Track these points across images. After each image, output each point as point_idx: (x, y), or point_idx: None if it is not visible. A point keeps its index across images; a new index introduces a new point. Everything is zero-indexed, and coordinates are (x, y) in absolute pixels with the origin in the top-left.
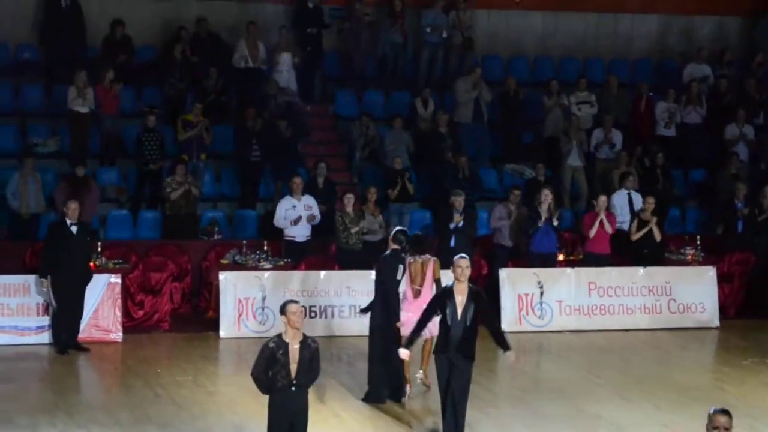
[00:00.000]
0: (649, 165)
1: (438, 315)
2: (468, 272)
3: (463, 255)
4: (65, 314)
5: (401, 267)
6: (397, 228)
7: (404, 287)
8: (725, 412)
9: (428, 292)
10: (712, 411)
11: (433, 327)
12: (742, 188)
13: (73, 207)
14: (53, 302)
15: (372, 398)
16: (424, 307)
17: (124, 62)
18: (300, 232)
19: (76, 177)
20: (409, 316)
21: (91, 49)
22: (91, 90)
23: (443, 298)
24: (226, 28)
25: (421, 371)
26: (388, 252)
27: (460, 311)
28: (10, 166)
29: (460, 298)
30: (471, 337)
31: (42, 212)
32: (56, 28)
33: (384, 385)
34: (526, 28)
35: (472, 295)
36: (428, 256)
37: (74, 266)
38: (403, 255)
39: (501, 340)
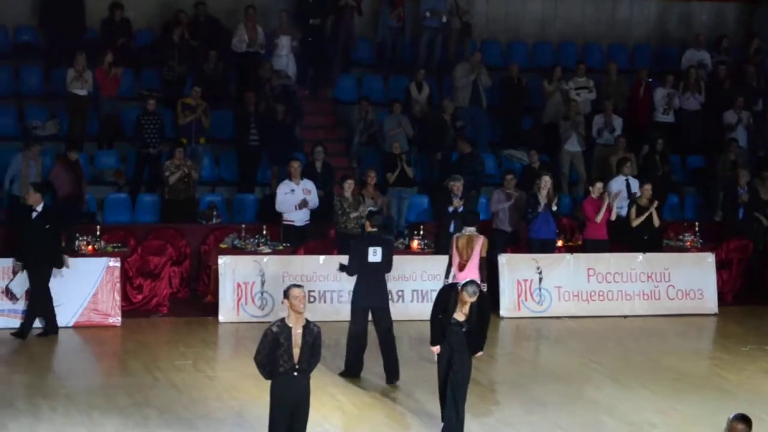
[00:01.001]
0: (648, 151)
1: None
2: None
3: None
4: (32, 299)
5: (377, 249)
6: (370, 209)
7: (452, 264)
8: (744, 418)
9: (474, 268)
10: (731, 417)
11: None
12: (744, 174)
13: (34, 196)
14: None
15: (348, 374)
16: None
17: (123, 45)
18: (299, 217)
19: (69, 160)
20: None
21: (90, 31)
22: (90, 73)
23: (449, 291)
24: (225, 12)
25: None
26: (364, 233)
27: (466, 309)
28: (10, 149)
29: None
30: (475, 332)
31: None
32: (55, 11)
33: (360, 363)
34: (526, 14)
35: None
36: (475, 232)
37: (34, 252)
38: (379, 236)
39: (477, 338)
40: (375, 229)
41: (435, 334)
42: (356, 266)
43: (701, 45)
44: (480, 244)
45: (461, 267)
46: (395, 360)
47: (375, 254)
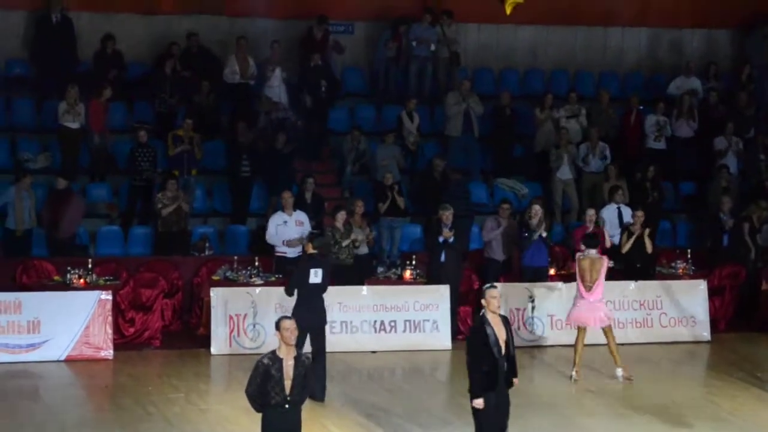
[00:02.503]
0: (639, 179)
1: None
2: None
3: (495, 284)
4: None
5: (318, 270)
6: (311, 231)
7: (578, 285)
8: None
9: (600, 289)
10: None
11: (586, 315)
12: (727, 201)
13: None
14: None
15: None
16: (597, 303)
17: (115, 78)
18: (291, 248)
19: (58, 190)
20: (580, 312)
21: (82, 64)
22: (82, 105)
23: (483, 333)
24: (217, 43)
25: (620, 369)
26: (305, 256)
27: (502, 344)
28: (1, 181)
29: (499, 330)
30: (512, 367)
31: (31, 228)
32: (47, 44)
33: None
34: (517, 42)
35: (505, 324)
36: (597, 253)
37: None
38: (320, 258)
39: (511, 368)
40: (316, 251)
41: (480, 382)
42: (295, 287)
43: (691, 72)
44: (605, 265)
45: (588, 288)
46: (323, 377)
47: (316, 275)
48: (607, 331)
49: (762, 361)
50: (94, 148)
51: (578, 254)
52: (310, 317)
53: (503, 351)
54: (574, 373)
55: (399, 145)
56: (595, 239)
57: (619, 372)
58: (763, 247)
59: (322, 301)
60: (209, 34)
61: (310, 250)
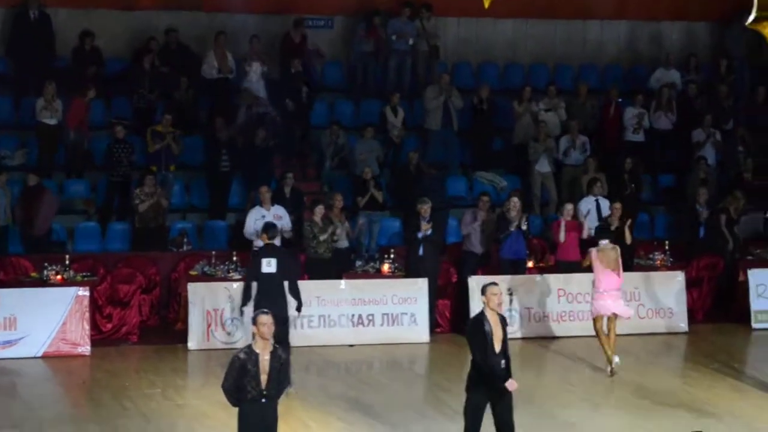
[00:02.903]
0: (617, 171)
1: None
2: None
3: (496, 282)
4: None
5: (271, 260)
6: (267, 222)
7: (597, 277)
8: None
9: (622, 276)
10: None
11: (613, 305)
12: (704, 192)
13: None
14: None
15: None
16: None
17: (93, 74)
18: None
19: (30, 187)
20: (607, 303)
21: (60, 60)
22: (60, 102)
23: (481, 329)
24: (195, 39)
25: (617, 357)
26: (261, 246)
27: (498, 343)
28: None
29: (496, 329)
30: (509, 365)
31: (7, 225)
32: (25, 40)
33: None
34: (496, 36)
35: (503, 324)
36: (608, 243)
37: None
38: (273, 248)
39: (508, 367)
40: (271, 241)
41: (489, 369)
42: (251, 278)
43: (671, 64)
44: (618, 253)
45: (616, 275)
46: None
47: (269, 265)
48: (614, 320)
49: (738, 352)
50: (70, 145)
51: (593, 248)
52: (268, 307)
53: (498, 349)
54: (614, 363)
55: (378, 140)
56: (607, 230)
57: (617, 359)
58: (741, 238)
59: (280, 290)
60: (188, 30)
61: (266, 240)
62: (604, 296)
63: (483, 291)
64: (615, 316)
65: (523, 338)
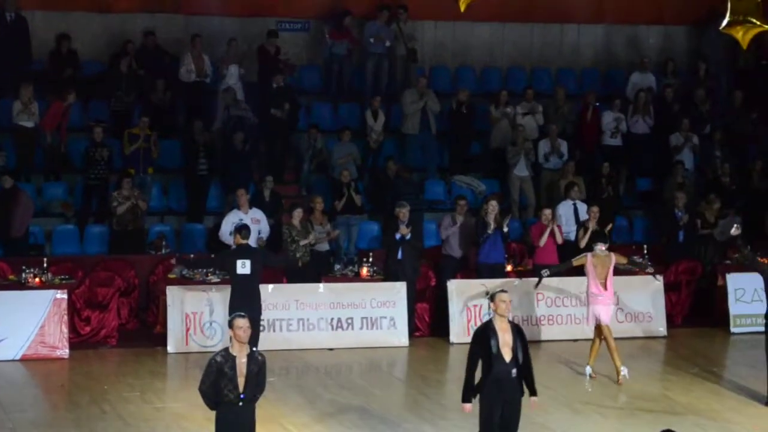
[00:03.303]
0: (594, 175)
1: None
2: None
3: (505, 289)
4: None
5: (246, 261)
6: (241, 223)
7: (590, 283)
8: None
9: (611, 282)
10: None
11: (600, 313)
12: (682, 197)
13: None
14: None
15: None
16: (609, 299)
17: (70, 76)
18: None
19: (5, 189)
20: (601, 308)
21: (37, 62)
22: (36, 104)
23: (483, 337)
24: (173, 41)
25: (624, 369)
26: (233, 247)
27: (507, 350)
28: None
29: (506, 336)
30: (527, 374)
31: None
32: (1, 43)
33: None
34: (473, 39)
35: (516, 331)
36: (605, 249)
37: None
38: (248, 249)
39: (531, 382)
40: (245, 242)
41: (467, 386)
42: (217, 264)
43: (646, 68)
44: (613, 261)
45: (605, 286)
46: None
47: (243, 266)
48: (608, 329)
49: (717, 356)
50: (47, 147)
51: (589, 253)
52: (241, 307)
53: (509, 358)
54: (622, 374)
55: (356, 143)
56: (602, 234)
57: (625, 369)
58: (719, 242)
59: (254, 291)
60: (165, 32)
61: (239, 241)
62: (597, 301)
63: (492, 298)
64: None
65: None
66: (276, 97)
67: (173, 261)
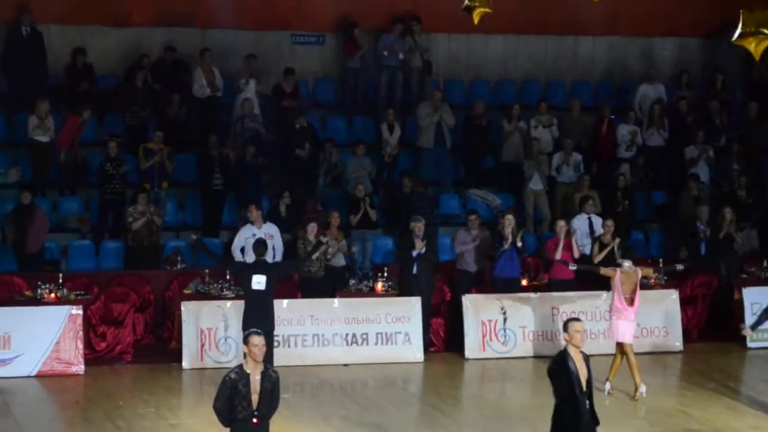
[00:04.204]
0: (610, 188)
1: None
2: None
3: (579, 318)
4: None
5: (261, 277)
6: (256, 239)
7: (615, 298)
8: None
9: (638, 299)
10: None
11: (624, 331)
12: (704, 210)
13: None
14: None
15: None
16: (633, 316)
17: (86, 90)
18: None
19: (23, 205)
20: (625, 324)
21: (53, 77)
22: (52, 119)
23: (565, 368)
24: (188, 56)
25: (643, 387)
26: (250, 262)
27: (584, 382)
28: None
29: (581, 367)
30: (593, 407)
31: None
32: (17, 57)
33: None
34: (488, 52)
35: (586, 362)
36: (632, 265)
37: None
38: (264, 264)
39: (592, 409)
40: (262, 258)
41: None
42: (229, 264)
43: (655, 79)
44: (639, 275)
45: (630, 301)
46: None
47: (258, 283)
48: (630, 346)
49: (734, 371)
50: (62, 163)
51: (619, 268)
52: (255, 322)
53: (584, 389)
54: (640, 392)
55: (370, 157)
56: (629, 251)
57: (644, 387)
58: (738, 256)
59: (268, 306)
60: (181, 47)
61: (257, 257)
62: (621, 316)
63: (565, 327)
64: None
65: (516, 357)
66: (299, 138)
67: (194, 236)
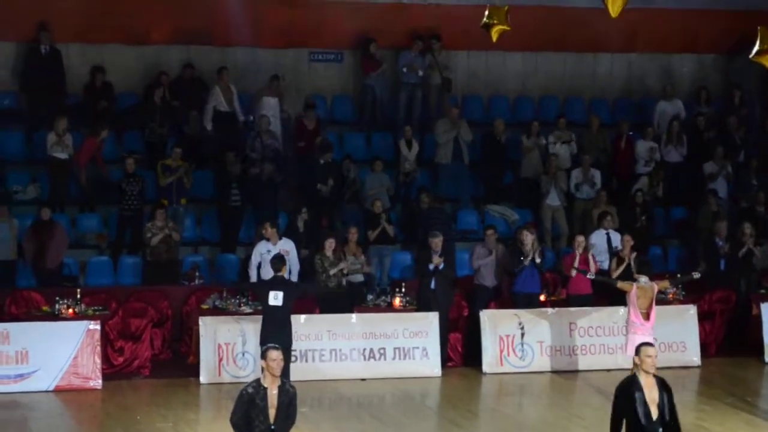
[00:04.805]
0: (628, 204)
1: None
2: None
3: (651, 342)
4: None
5: (278, 293)
6: (275, 254)
7: (631, 312)
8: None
9: (654, 314)
10: None
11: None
12: (723, 226)
13: None
14: None
15: None
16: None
17: (104, 109)
18: None
19: (42, 221)
20: (640, 338)
21: (72, 96)
22: (70, 136)
23: (628, 393)
24: (206, 73)
25: None
26: (268, 279)
27: (654, 408)
28: None
29: (652, 392)
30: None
31: (15, 259)
32: (36, 75)
33: None
34: (506, 69)
35: (663, 386)
36: (648, 280)
37: None
38: (282, 280)
39: None
40: (280, 274)
41: None
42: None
43: (671, 96)
44: (655, 290)
45: (646, 316)
46: None
47: (276, 298)
48: None
49: (752, 386)
50: (85, 180)
51: (636, 283)
52: (272, 338)
53: (656, 416)
54: None
55: (388, 173)
56: (647, 266)
57: None
58: (758, 271)
59: (285, 322)
60: (198, 64)
61: (275, 273)
62: (637, 330)
63: (637, 351)
64: None
65: (534, 372)
66: (322, 173)
67: None
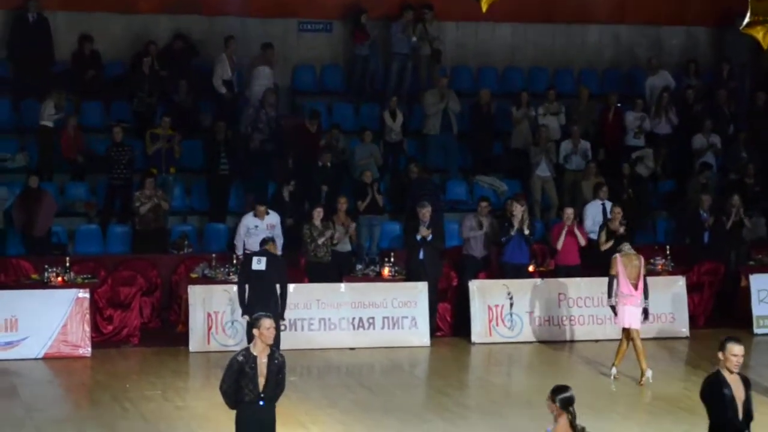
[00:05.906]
0: (616, 176)
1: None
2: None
3: (737, 338)
4: None
5: (262, 258)
6: (263, 238)
7: (621, 282)
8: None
9: (642, 284)
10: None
11: (631, 317)
12: (707, 199)
13: None
14: None
15: None
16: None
17: (92, 77)
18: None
19: (30, 189)
20: (631, 310)
21: (60, 64)
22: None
23: (720, 392)
24: (195, 42)
25: (649, 372)
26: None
27: (740, 406)
28: None
29: (737, 390)
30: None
31: (4, 227)
32: (23, 43)
33: None
34: (495, 40)
35: (745, 384)
36: (630, 249)
37: None
38: (267, 252)
39: None
40: (266, 247)
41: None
42: (243, 278)
43: (657, 68)
44: (642, 262)
45: (636, 286)
46: None
47: (259, 263)
48: (636, 332)
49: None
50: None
51: (617, 254)
52: (261, 308)
53: (742, 416)
54: (646, 377)
55: (377, 144)
56: (631, 236)
57: (650, 372)
58: (747, 243)
59: (272, 289)
60: (187, 33)
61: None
62: (627, 302)
63: (722, 346)
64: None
65: (523, 342)
66: (321, 176)
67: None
